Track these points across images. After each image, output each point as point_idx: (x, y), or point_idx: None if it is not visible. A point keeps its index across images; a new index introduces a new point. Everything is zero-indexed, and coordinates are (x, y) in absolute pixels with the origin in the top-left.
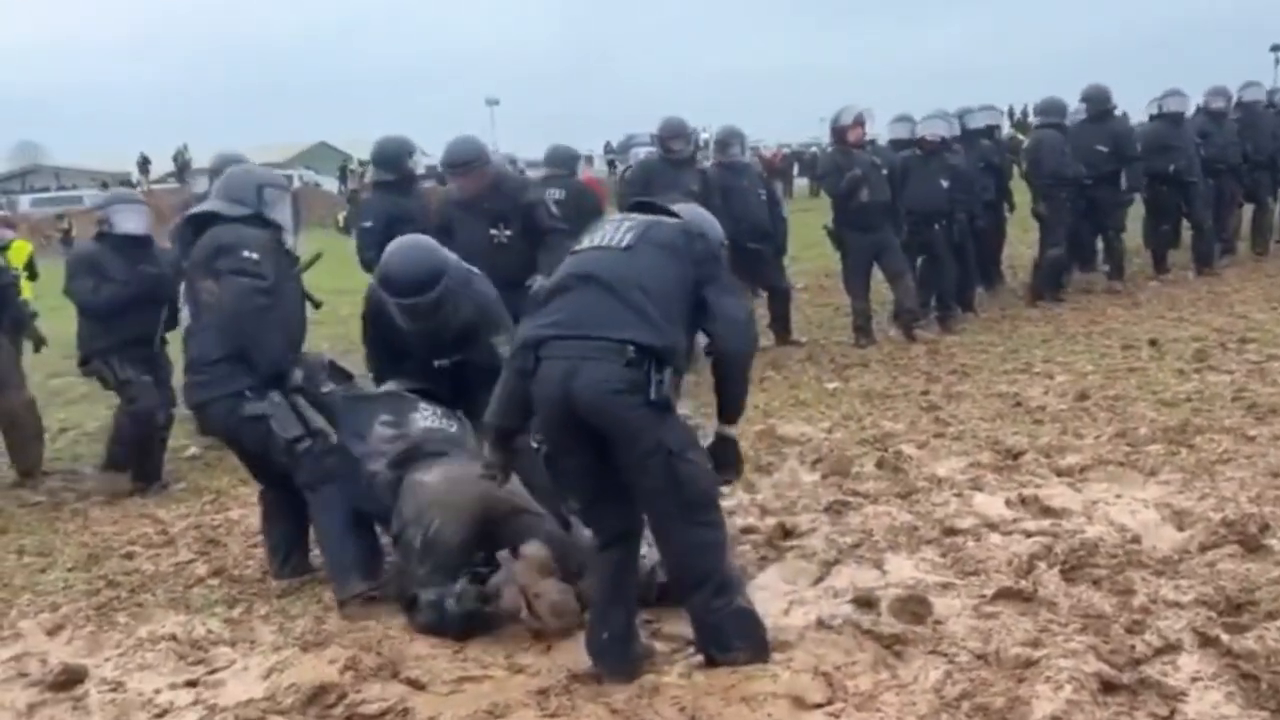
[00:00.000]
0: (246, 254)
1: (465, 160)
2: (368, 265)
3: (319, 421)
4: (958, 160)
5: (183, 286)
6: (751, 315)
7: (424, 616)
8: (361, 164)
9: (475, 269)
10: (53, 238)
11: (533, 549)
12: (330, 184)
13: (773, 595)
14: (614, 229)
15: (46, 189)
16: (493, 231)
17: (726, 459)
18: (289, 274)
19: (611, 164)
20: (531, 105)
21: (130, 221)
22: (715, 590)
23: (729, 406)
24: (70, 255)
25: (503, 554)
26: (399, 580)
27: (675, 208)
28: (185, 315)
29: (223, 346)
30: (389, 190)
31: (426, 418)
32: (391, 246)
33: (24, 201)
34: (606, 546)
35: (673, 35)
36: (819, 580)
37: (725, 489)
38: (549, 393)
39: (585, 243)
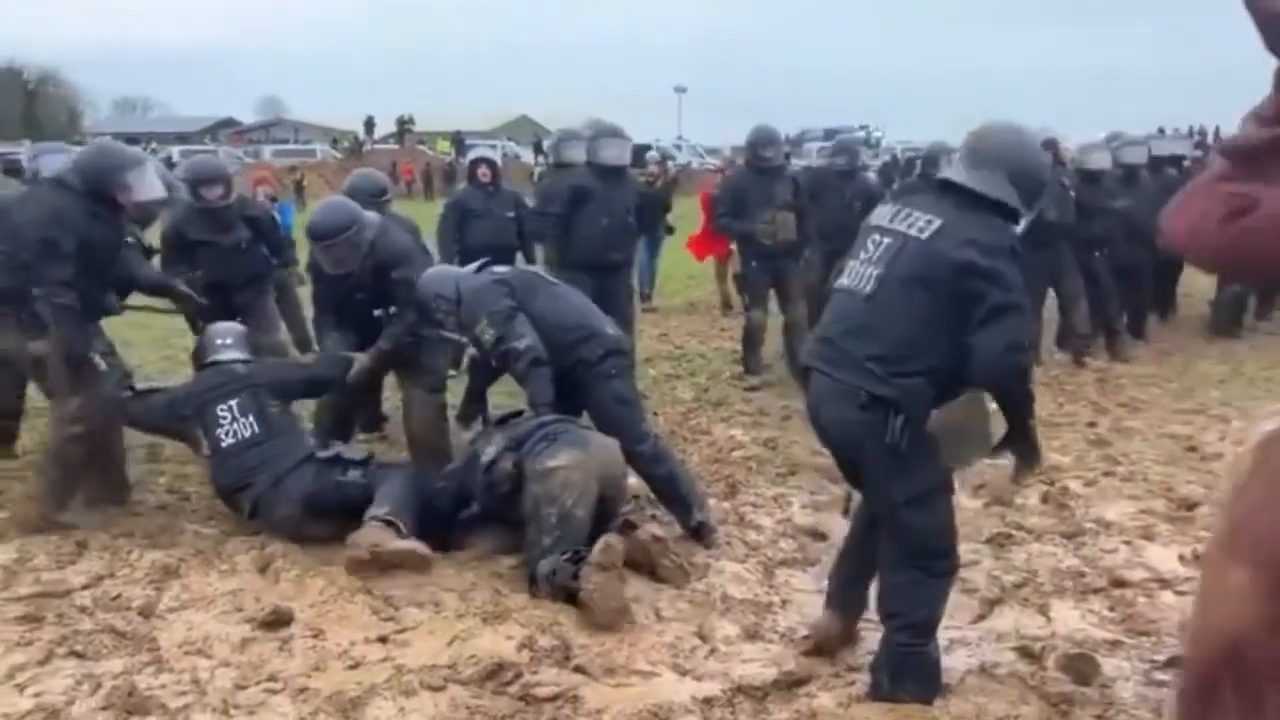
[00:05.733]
0: None
1: (327, 233)
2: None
3: None
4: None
5: None
6: (1012, 344)
7: (541, 587)
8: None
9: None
10: (288, 187)
11: (607, 545)
12: (527, 155)
13: None
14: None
15: (286, 141)
16: (377, 312)
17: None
18: None
19: (786, 156)
20: (719, 93)
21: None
22: (913, 630)
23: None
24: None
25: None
26: (528, 553)
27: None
28: None
29: None
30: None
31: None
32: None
33: (266, 152)
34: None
35: (855, 30)
36: (980, 619)
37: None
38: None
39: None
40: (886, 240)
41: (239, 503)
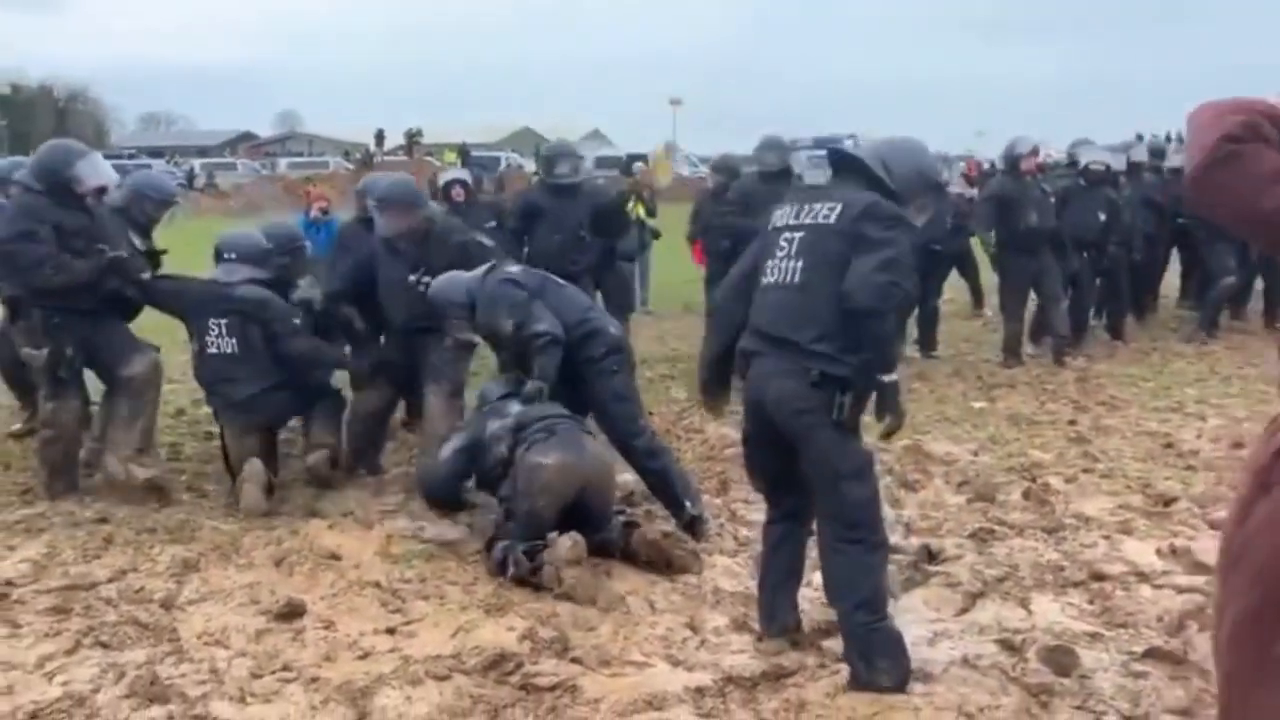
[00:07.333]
0: None
1: (395, 199)
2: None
3: None
4: (1116, 194)
5: None
6: (888, 266)
7: (491, 563)
8: None
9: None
10: (299, 197)
11: (568, 543)
12: (530, 165)
13: (917, 620)
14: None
15: (301, 154)
16: (412, 277)
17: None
18: None
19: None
20: (714, 105)
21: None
22: (868, 607)
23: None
24: None
25: (551, 535)
26: (496, 530)
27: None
28: None
29: None
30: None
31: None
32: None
33: (282, 164)
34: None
35: (849, 41)
36: (963, 612)
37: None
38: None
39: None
40: (799, 235)
41: (210, 400)
